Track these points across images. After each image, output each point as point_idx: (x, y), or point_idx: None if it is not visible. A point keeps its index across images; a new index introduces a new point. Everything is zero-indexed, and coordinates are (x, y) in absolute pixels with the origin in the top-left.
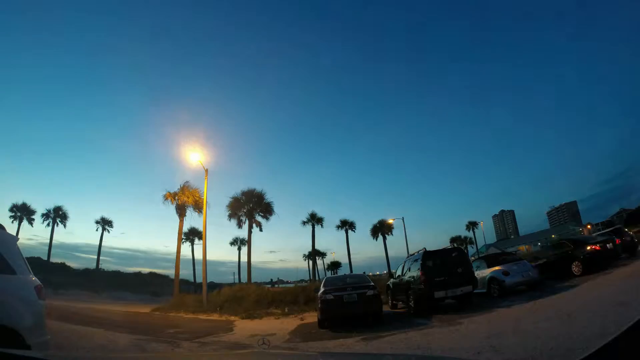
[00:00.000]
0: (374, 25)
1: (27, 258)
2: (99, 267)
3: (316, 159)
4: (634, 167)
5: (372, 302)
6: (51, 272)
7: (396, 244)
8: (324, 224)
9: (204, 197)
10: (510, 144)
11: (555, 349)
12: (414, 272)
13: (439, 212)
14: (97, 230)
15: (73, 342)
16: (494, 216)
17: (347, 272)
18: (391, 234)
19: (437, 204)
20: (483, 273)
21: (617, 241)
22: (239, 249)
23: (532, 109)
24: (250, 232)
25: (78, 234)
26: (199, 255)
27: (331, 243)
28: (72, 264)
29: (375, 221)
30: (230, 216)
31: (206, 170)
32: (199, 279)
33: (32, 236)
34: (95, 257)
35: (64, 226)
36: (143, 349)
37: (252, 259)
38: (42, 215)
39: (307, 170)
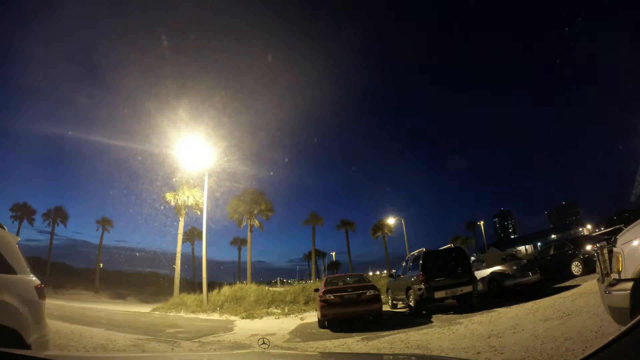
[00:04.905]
0: (382, 26)
1: (27, 258)
2: (99, 266)
3: (317, 158)
4: (635, 168)
5: (372, 301)
6: (51, 271)
7: (396, 244)
8: (324, 224)
9: (204, 197)
10: (510, 144)
11: (555, 349)
12: (414, 272)
13: (439, 212)
14: (97, 230)
15: (73, 342)
16: (494, 216)
17: (347, 271)
18: (391, 233)
19: (437, 204)
20: (483, 273)
21: None
22: (239, 248)
23: (531, 109)
24: (250, 232)
25: (78, 233)
26: (199, 254)
27: (331, 243)
28: (73, 264)
29: (375, 221)
30: (231, 216)
31: (206, 170)
32: (199, 279)
33: (39, 236)
34: (96, 256)
35: (65, 226)
36: (143, 348)
37: (253, 259)
38: (43, 215)
39: (308, 170)
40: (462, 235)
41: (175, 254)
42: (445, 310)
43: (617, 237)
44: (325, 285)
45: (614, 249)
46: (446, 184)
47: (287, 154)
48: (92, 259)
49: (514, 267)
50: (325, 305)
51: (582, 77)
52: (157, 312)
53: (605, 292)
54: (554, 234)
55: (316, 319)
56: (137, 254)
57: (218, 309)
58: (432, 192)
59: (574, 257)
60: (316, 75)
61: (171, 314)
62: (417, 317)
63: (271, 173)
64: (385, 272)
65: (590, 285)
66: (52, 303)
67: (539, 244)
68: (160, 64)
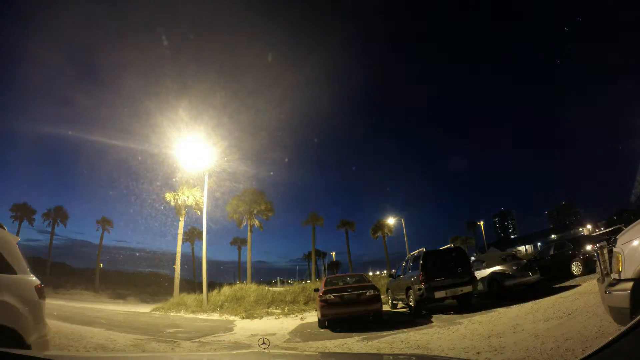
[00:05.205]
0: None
1: (27, 258)
2: (99, 266)
3: (317, 158)
4: (635, 168)
5: (372, 301)
6: (51, 271)
7: (396, 244)
8: (324, 224)
9: (204, 197)
10: (510, 144)
11: (555, 349)
12: (414, 272)
13: (439, 212)
14: (97, 230)
15: (73, 342)
16: (494, 216)
17: (347, 271)
18: (391, 233)
19: (437, 204)
20: (483, 273)
21: None
22: (239, 248)
23: (531, 108)
24: (250, 232)
25: (79, 234)
26: (199, 254)
27: (331, 243)
28: (73, 264)
29: (375, 221)
30: (231, 216)
31: (206, 170)
32: (199, 279)
33: (39, 236)
34: (96, 256)
35: (65, 226)
36: (143, 348)
37: (253, 259)
38: (43, 215)
39: (308, 170)
40: (462, 235)
41: (175, 254)
42: (445, 310)
43: (617, 237)
44: (325, 285)
45: (614, 249)
46: (446, 184)
47: (287, 154)
48: (92, 259)
49: (514, 267)
50: (325, 305)
51: (582, 77)
52: (157, 312)
53: (605, 292)
54: (554, 234)
55: (316, 319)
56: (137, 254)
57: (218, 309)
58: (432, 192)
59: (574, 257)
60: (316, 75)
61: (171, 314)
62: (417, 317)
63: (271, 173)
64: (385, 272)
65: (590, 285)
66: (52, 303)
67: (539, 244)
68: (160, 64)
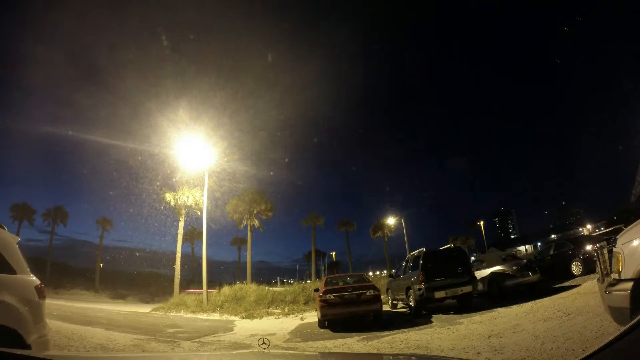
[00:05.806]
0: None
1: (27, 258)
2: (99, 266)
3: (317, 158)
4: (635, 167)
5: (372, 301)
6: (51, 271)
7: (396, 244)
8: (324, 224)
9: (204, 197)
10: (510, 144)
11: (555, 349)
12: (414, 272)
13: (439, 212)
14: (97, 230)
15: (73, 342)
16: (494, 216)
17: (347, 271)
18: (391, 233)
19: (437, 204)
20: (483, 273)
21: None
22: (239, 248)
23: (531, 109)
24: (250, 232)
25: (81, 234)
26: (199, 254)
27: (331, 243)
28: (74, 264)
29: (375, 221)
30: (231, 216)
31: (206, 170)
32: (199, 279)
33: (39, 236)
34: (96, 256)
35: (65, 225)
36: (143, 348)
37: (255, 259)
38: (42, 215)
39: (308, 170)
40: (462, 235)
41: (175, 254)
42: (445, 310)
43: (617, 237)
44: (325, 285)
45: (614, 249)
46: (446, 184)
47: (287, 154)
48: (92, 259)
49: (514, 267)
50: (325, 305)
51: (582, 77)
52: (157, 312)
53: (605, 292)
54: (554, 234)
55: (316, 319)
56: (137, 254)
57: (218, 309)
58: (432, 192)
59: (574, 257)
60: (316, 75)
61: (171, 314)
62: (417, 317)
63: (271, 173)
64: (385, 272)
65: (590, 285)
66: (52, 303)
67: (539, 244)
68: (160, 64)
